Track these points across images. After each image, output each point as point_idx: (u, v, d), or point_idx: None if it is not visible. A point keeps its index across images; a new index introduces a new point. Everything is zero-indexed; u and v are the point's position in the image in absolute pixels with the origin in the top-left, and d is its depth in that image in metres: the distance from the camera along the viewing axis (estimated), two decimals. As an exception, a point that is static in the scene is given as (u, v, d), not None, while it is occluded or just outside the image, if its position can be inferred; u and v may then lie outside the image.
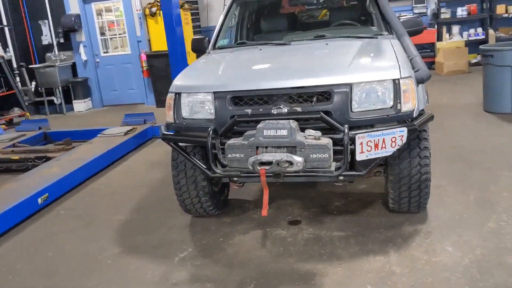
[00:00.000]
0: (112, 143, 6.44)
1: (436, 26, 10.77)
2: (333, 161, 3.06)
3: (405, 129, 3.11)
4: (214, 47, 4.61)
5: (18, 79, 10.55)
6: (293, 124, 3.00)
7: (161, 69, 9.94)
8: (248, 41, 4.57)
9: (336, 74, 3.26)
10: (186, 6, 10.18)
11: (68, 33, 10.70)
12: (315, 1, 5.25)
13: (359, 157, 3.10)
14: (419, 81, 3.47)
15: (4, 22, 10.56)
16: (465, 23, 10.88)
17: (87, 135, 7.28)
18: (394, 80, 3.18)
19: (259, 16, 5.35)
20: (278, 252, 3.51)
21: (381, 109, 3.19)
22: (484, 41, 10.26)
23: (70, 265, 3.66)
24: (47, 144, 7.41)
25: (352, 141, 3.07)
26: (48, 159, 6.19)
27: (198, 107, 3.48)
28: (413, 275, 3.04)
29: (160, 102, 10.14)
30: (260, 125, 3.04)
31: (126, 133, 6.84)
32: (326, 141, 2.98)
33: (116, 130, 7.12)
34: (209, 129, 3.23)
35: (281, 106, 3.22)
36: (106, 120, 9.12)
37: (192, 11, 10.67)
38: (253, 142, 3.03)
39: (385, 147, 3.10)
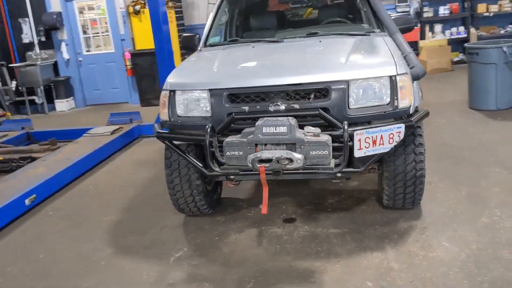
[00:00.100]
0: (99, 143, 6.34)
1: (419, 25, 10.88)
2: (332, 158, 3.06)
3: (402, 126, 3.12)
4: (205, 45, 4.57)
5: (-2, 78, 10.33)
6: (293, 121, 2.99)
7: (146, 68, 9.82)
8: (240, 38, 4.53)
9: (333, 71, 3.26)
10: (170, 4, 10.07)
11: (49, 31, 10.47)
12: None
13: (357, 153, 3.10)
14: (415, 78, 3.49)
15: (-17, 20, 10.32)
16: (447, 22, 11.01)
17: (71, 135, 7.14)
18: (390, 77, 3.19)
19: (249, 14, 5.32)
20: (275, 250, 3.49)
21: (378, 105, 3.20)
22: (466, 40, 10.40)
23: (63, 266, 3.58)
24: (31, 144, 7.25)
25: (351, 137, 3.07)
26: (33, 159, 6.07)
27: (194, 104, 3.44)
28: (411, 271, 3.05)
29: (145, 101, 10.03)
30: (259, 122, 3.02)
31: (112, 132, 6.73)
32: (326, 138, 2.97)
33: (102, 129, 7.01)
34: (207, 126, 3.19)
35: (279, 103, 3.20)
36: (89, 120, 8.97)
37: (176, 9, 10.57)
38: (252, 139, 3.00)
39: (383, 144, 3.11)
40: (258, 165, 2.96)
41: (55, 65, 10.68)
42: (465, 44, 7.15)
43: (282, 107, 3.20)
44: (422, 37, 10.87)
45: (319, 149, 2.93)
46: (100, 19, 10.48)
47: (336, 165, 3.09)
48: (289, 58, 3.70)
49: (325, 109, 3.15)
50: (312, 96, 3.22)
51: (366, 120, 3.19)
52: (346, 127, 3.00)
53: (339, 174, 3.20)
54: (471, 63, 6.76)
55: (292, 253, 3.42)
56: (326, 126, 3.15)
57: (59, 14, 10.23)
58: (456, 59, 10.79)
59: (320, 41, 4.03)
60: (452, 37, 10.90)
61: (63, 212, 4.68)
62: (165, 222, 4.16)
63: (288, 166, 2.95)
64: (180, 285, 3.17)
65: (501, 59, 6.37)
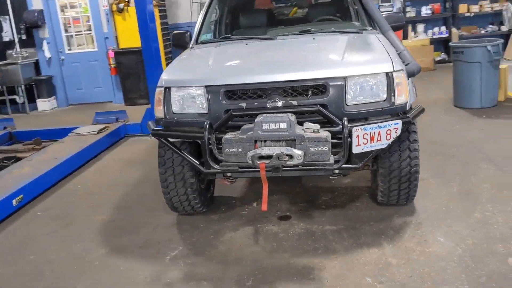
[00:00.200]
0: (85, 142, 6.24)
1: (402, 25, 10.99)
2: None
3: (399, 122, 3.14)
4: (196, 42, 4.53)
5: (-23, 77, 10.07)
6: (292, 117, 2.98)
7: (130, 67, 9.71)
8: (233, 36, 4.50)
9: (331, 67, 3.26)
10: (154, 2, 9.96)
11: (30, 29, 10.26)
12: None
13: (355, 149, 3.11)
14: (410, 75, 3.52)
15: (-39, 18, 10.06)
16: (429, 21, 11.16)
17: (56, 135, 7.01)
18: (387, 73, 3.21)
19: (239, 11, 5.30)
20: (272, 248, 3.48)
21: (375, 102, 3.21)
22: (448, 39, 10.56)
23: (55, 267, 3.51)
24: (14, 144, 7.10)
25: (349, 134, 3.07)
26: (18, 159, 5.95)
27: (189, 101, 3.40)
28: (409, 266, 3.07)
29: (129, 100, 9.91)
30: (258, 119, 3.00)
31: (99, 132, 6.63)
32: (326, 134, 2.97)
33: (88, 128, 6.90)
34: (205, 123, 3.16)
35: (276, 100, 3.19)
36: (73, 119, 8.82)
37: (160, 8, 10.46)
38: (252, 136, 2.98)
39: (380, 140, 3.13)
40: (258, 162, 2.94)
41: (36, 64, 10.48)
42: (450, 43, 7.24)
43: (280, 103, 3.19)
44: (405, 36, 10.99)
45: (319, 146, 2.93)
46: (82, 17, 10.32)
47: (335, 162, 3.09)
48: (285, 54, 3.69)
49: (323, 106, 3.15)
50: (309, 92, 3.21)
51: (364, 117, 3.20)
52: (346, 123, 3.01)
53: (337, 171, 3.20)
54: (456, 62, 6.85)
55: (289, 250, 3.42)
56: (324, 123, 3.15)
57: (40, 12, 10.04)
58: (438, 58, 10.95)
59: (313, 39, 4.03)
60: (434, 36, 11.06)
61: (52, 212, 4.59)
62: (157, 221, 4.12)
63: (288, 163, 2.94)
64: (178, 284, 3.14)
65: (485, 58, 6.47)
